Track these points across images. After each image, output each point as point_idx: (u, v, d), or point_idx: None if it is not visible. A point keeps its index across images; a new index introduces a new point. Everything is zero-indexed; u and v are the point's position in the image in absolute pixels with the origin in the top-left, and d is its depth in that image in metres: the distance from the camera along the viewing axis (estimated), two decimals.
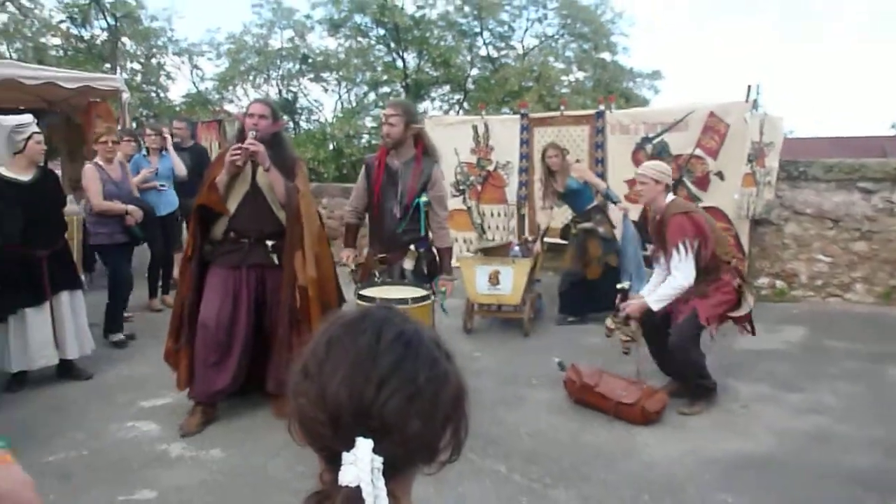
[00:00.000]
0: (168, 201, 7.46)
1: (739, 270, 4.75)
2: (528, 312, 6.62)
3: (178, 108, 22.07)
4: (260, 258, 4.36)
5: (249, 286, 4.38)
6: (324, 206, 10.62)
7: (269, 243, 4.36)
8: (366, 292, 4.03)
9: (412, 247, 4.42)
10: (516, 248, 7.10)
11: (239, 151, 4.17)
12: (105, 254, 6.32)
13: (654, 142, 7.96)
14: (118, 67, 22.07)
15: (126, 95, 8.69)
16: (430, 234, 4.49)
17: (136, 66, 24.24)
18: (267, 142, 4.24)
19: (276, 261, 4.35)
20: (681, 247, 4.46)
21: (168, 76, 25.29)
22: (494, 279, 6.48)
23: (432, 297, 4.26)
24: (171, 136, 7.85)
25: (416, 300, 3.92)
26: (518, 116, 9.22)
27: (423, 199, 4.35)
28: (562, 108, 8.90)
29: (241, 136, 4.30)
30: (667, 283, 4.57)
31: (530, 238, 7.52)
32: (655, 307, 4.55)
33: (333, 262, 4.55)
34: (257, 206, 4.32)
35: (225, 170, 4.22)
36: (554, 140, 7.69)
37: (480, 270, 6.54)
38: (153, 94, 24.31)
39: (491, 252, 6.94)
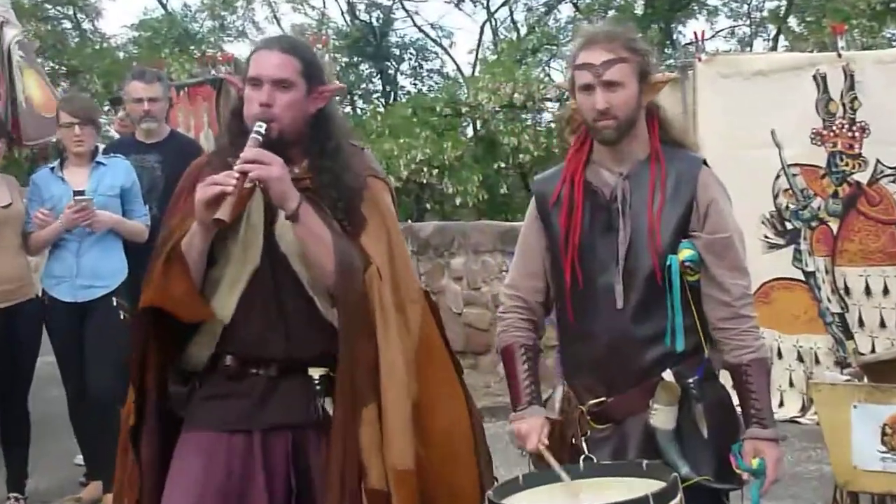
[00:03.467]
0: (106, 270, 6.07)
1: None
2: None
3: (124, 55, 19.24)
4: (292, 410, 3.59)
5: (271, 472, 3.58)
6: (454, 273, 9.22)
7: (316, 375, 3.55)
8: (504, 500, 3.24)
9: (666, 375, 3.43)
10: None
11: (215, 190, 3.25)
12: None
13: None
14: None
15: (13, 32, 7.57)
16: (711, 341, 3.49)
17: None
18: (290, 141, 3.38)
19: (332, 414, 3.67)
20: None
21: None
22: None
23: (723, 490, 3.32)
24: (129, 115, 6.68)
25: None
26: None
27: (687, 253, 3.43)
28: None
29: (237, 129, 3.40)
30: None
31: None
32: None
33: (470, 406, 3.81)
34: (279, 298, 3.51)
35: (197, 224, 3.35)
36: None
37: (862, 415, 5.60)
38: (68, 28, 21.04)
39: (887, 374, 6.10)
